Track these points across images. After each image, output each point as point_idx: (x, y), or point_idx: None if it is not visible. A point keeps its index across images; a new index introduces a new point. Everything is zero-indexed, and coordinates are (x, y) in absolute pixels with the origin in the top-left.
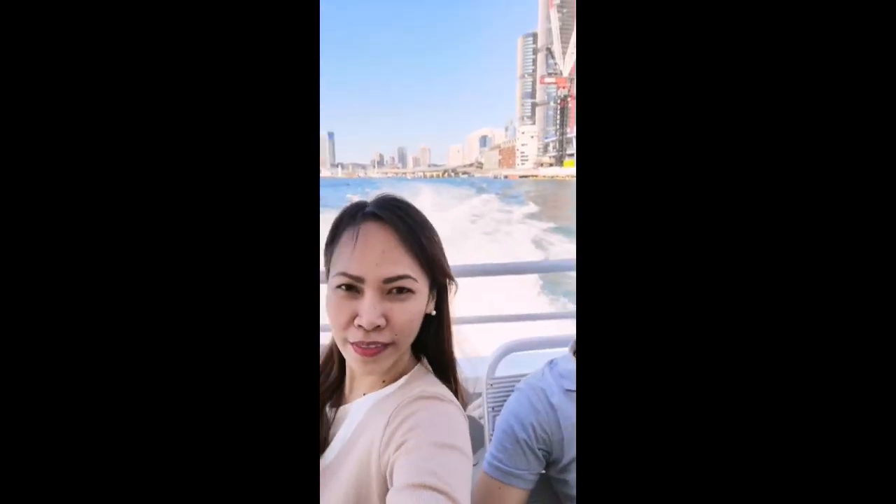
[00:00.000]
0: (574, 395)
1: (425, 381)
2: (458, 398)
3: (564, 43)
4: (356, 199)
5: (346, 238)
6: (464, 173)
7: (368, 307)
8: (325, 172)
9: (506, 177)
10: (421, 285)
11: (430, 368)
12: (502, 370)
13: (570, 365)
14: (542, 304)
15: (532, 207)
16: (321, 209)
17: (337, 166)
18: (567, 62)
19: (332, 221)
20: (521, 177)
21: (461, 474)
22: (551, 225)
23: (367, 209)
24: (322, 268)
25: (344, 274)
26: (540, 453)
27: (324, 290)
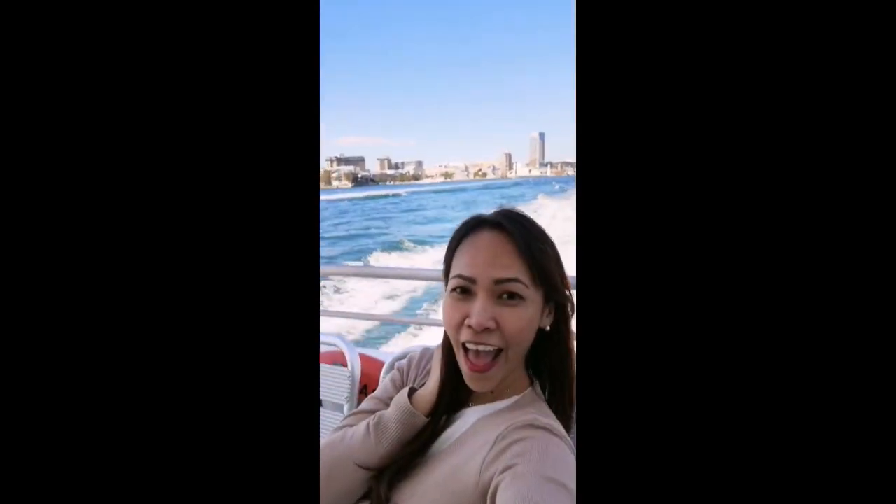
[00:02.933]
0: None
1: (537, 409)
2: (569, 424)
3: None
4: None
5: (464, 246)
6: None
7: (479, 308)
8: (535, 171)
9: None
10: (532, 293)
11: (541, 395)
12: None
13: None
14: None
15: None
16: (528, 201)
17: (546, 165)
18: None
19: (452, 235)
20: None
21: None
22: None
23: (486, 219)
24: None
25: (458, 276)
26: None
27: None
